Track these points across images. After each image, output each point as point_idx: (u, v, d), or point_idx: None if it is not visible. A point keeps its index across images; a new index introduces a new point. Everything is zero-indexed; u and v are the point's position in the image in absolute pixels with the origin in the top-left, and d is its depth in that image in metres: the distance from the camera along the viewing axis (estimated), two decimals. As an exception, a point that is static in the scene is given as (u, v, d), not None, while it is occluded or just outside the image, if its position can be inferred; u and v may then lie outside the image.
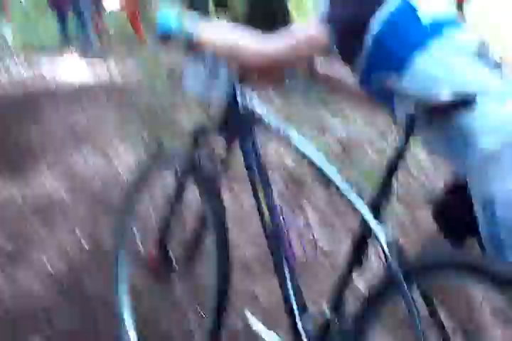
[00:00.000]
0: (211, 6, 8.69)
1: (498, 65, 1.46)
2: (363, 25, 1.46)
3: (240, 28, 1.62)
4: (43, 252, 2.56)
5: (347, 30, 1.47)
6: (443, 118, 1.36)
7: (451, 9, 1.59)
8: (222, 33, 1.64)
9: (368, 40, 1.47)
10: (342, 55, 1.57)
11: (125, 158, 3.70)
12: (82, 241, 2.57)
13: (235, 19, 6.80)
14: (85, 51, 8.51)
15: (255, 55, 1.55)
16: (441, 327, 1.34)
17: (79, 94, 5.89)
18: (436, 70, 1.42)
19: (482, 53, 1.47)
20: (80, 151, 3.92)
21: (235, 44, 1.58)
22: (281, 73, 1.73)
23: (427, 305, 1.34)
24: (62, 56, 8.46)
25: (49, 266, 2.45)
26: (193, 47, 1.60)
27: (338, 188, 1.45)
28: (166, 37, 1.60)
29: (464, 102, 1.31)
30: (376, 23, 1.45)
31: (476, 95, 1.30)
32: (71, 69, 7.51)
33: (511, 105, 1.39)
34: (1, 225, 2.78)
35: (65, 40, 9.44)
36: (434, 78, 1.42)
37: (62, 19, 9.67)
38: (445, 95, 1.30)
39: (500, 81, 1.43)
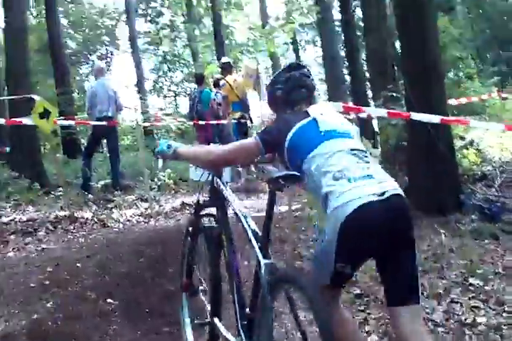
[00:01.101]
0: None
1: (366, 161, 2.35)
2: (283, 138, 2.46)
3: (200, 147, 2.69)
4: None
5: (273, 141, 2.49)
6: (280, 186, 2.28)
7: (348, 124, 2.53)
8: (192, 150, 2.74)
9: (287, 143, 2.45)
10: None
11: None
12: None
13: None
14: (236, 184, 8.15)
15: (211, 158, 2.60)
16: (298, 321, 2.13)
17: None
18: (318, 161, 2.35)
19: (356, 152, 2.37)
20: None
21: (198, 155, 2.68)
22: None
23: (290, 305, 2.16)
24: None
25: None
26: (176, 159, 2.72)
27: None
28: (160, 154, 2.75)
29: (291, 177, 2.23)
30: (291, 133, 2.45)
31: (296, 175, 2.19)
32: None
33: (355, 188, 2.22)
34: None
35: None
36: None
37: None
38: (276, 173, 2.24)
39: (360, 170, 2.28)
